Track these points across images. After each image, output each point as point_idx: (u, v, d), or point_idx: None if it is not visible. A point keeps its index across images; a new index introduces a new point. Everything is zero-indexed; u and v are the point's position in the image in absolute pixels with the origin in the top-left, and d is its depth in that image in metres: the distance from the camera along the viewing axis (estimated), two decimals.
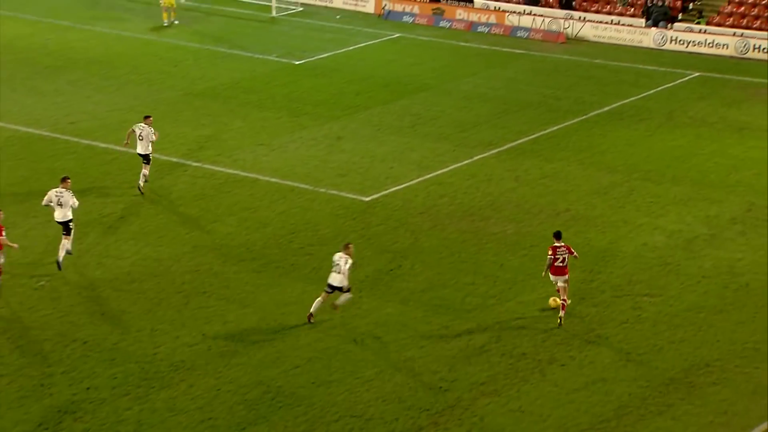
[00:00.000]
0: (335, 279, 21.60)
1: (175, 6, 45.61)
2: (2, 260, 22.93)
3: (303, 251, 25.28)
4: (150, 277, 23.91)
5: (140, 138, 27.58)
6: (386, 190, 28.95)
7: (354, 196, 28.47)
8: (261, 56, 41.23)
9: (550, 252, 21.98)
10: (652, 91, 37.90)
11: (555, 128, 33.54)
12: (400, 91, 37.36)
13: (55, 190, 23.99)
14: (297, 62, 40.69)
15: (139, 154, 27.78)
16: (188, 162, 30.44)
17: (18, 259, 23.96)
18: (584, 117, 35.04)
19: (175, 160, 30.60)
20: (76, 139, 31.87)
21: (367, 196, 28.49)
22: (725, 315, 22.65)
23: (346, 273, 21.51)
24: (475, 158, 31.27)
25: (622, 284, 23.94)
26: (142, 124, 27.73)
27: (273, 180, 29.46)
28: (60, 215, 23.85)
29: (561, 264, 21.95)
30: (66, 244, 23.91)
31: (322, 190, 28.84)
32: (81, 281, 23.67)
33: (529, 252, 25.36)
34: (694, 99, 37.12)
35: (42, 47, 39.35)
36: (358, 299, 22.97)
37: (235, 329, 21.92)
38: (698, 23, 43.76)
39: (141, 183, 27.98)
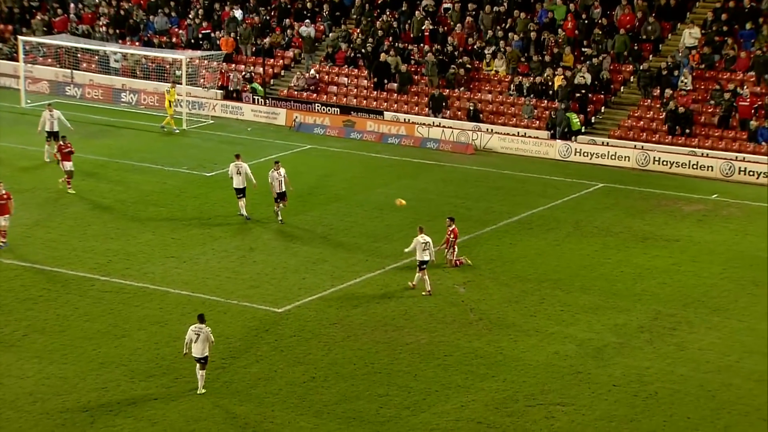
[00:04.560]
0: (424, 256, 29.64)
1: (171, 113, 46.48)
2: None
3: (214, 365, 24.81)
4: (54, 396, 23.16)
5: None
6: (299, 301, 28.77)
7: (266, 308, 28.22)
8: (171, 169, 41.09)
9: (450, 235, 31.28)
10: (559, 202, 38.70)
11: (466, 238, 33.89)
12: (312, 202, 37.49)
13: (232, 164, 34.64)
14: (208, 174, 40.63)
15: None
16: (96, 276, 29.90)
17: None
18: (494, 227, 35.54)
19: (82, 274, 30.05)
20: None
21: (279, 308, 28.26)
22: (636, 424, 22.77)
23: (433, 250, 29.89)
24: (388, 268, 31.36)
25: (535, 393, 23.99)
26: None
27: (183, 293, 29.07)
28: (238, 183, 34.70)
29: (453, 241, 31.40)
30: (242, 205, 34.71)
31: (234, 302, 28.53)
32: None
33: (443, 362, 25.31)
34: (600, 209, 37.98)
35: None
36: (270, 413, 22.57)
37: None
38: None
39: None
